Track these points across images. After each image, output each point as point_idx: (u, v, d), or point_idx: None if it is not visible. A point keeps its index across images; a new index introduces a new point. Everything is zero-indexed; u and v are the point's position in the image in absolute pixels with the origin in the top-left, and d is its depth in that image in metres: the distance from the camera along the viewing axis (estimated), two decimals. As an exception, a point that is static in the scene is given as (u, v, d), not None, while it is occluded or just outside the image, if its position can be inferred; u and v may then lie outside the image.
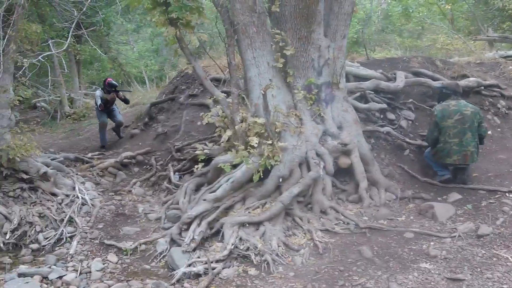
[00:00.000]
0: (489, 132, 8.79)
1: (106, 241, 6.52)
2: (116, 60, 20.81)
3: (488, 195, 6.78)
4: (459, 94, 7.45)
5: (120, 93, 11.24)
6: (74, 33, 9.40)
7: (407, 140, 8.36)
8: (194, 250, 5.87)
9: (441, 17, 19.30)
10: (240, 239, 5.90)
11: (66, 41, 8.32)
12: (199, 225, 6.15)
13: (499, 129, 9.07)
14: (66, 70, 14.60)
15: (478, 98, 9.43)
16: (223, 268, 5.55)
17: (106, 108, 11.01)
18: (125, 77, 21.14)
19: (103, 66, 21.28)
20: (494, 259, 5.08)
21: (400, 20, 19.65)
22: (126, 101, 12.07)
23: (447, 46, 14.83)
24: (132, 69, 22.30)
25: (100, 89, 11.28)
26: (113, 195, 8.15)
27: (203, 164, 7.10)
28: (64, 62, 13.83)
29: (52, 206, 7.20)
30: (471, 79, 9.53)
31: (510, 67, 11.07)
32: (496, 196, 6.66)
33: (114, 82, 11.20)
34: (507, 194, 6.63)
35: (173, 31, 6.62)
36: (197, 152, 7.37)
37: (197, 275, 5.47)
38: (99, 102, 10.78)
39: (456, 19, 19.75)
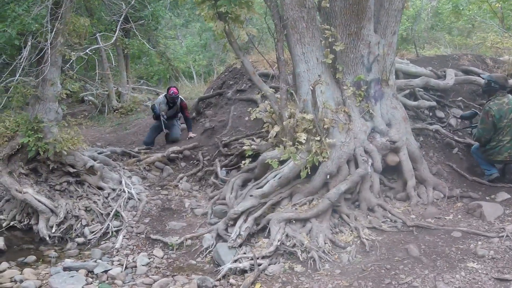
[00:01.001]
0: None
1: (152, 236, 6.64)
2: (164, 54, 20.98)
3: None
4: (507, 89, 7.28)
5: (188, 111, 10.42)
6: (122, 27, 9.48)
7: (456, 138, 8.22)
8: (240, 246, 5.95)
9: (491, 15, 18.82)
10: (287, 235, 5.94)
11: (114, 35, 8.45)
12: (245, 221, 6.20)
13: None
14: (114, 64, 14.77)
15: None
16: (269, 265, 5.60)
17: (167, 120, 10.34)
18: (173, 71, 21.33)
19: (151, 61, 21.47)
20: (543, 259, 4.95)
21: (450, 18, 19.23)
22: (188, 122, 10.55)
23: (497, 44, 14.46)
24: (180, 64, 22.46)
25: (163, 95, 10.42)
26: (159, 189, 8.26)
27: (250, 159, 7.13)
28: (112, 56, 14.02)
29: (98, 200, 7.35)
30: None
31: None
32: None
33: (177, 95, 10.24)
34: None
35: (222, 25, 6.66)
36: (244, 147, 7.40)
37: (243, 271, 5.55)
38: (157, 111, 10.14)
39: (507, 17, 19.26)
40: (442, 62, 9.82)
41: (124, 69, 17.43)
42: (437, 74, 9.10)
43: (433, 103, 8.59)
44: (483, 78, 7.71)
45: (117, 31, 8.48)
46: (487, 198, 6.92)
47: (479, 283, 4.76)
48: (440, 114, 8.73)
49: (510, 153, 6.95)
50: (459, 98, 8.93)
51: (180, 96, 10.44)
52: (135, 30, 10.43)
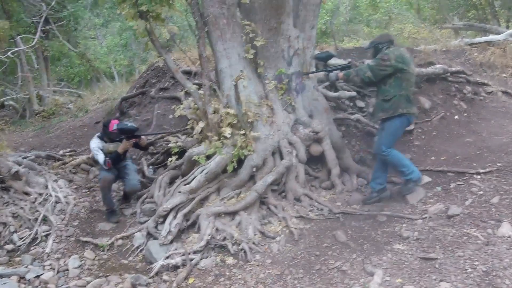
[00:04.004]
0: (456, 117, 9.01)
1: (82, 238, 6.51)
2: (85, 55, 20.53)
3: (456, 177, 6.89)
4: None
5: (143, 137, 7.51)
6: (42, 29, 9.22)
7: (377, 126, 8.44)
8: (171, 242, 5.94)
9: (407, 7, 19.53)
10: (217, 229, 5.98)
11: (34, 37, 8.24)
12: (175, 217, 6.19)
13: (465, 114, 9.26)
14: (36, 66, 14.36)
15: (445, 84, 9.63)
16: (201, 259, 5.64)
17: (116, 163, 7.37)
18: (94, 72, 20.92)
19: (72, 62, 20.99)
20: (465, 238, 5.18)
21: (368, 10, 19.81)
22: (146, 147, 8.01)
23: (413, 35, 15.01)
24: (101, 64, 22.05)
25: (96, 136, 7.40)
26: (86, 191, 8.10)
27: (176, 157, 7.10)
28: (32, 58, 13.62)
29: (25, 205, 7.08)
30: (438, 66, 9.72)
31: (475, 54, 11.30)
32: (465, 178, 6.77)
33: (129, 125, 7.34)
34: (475, 176, 6.74)
35: (143, 24, 6.59)
36: (170, 145, 7.38)
37: (176, 267, 5.56)
38: (101, 158, 7.13)
39: (422, 9, 20.02)
40: (361, 54, 10.11)
41: (45, 71, 16.98)
42: (356, 66, 9.31)
43: (353, 94, 8.84)
44: (365, 49, 7.54)
45: (38, 32, 8.26)
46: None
47: (406, 263, 4.93)
48: (361, 104, 9.00)
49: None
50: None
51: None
52: (55, 31, 10.11)
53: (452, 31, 15.57)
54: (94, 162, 8.59)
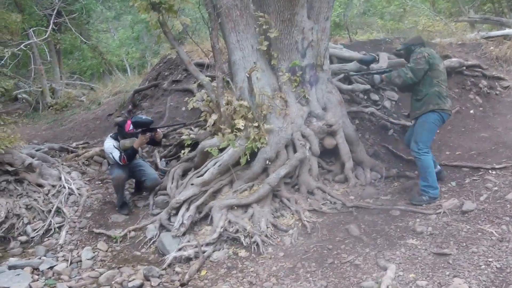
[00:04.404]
0: (471, 112, 8.92)
1: (95, 230, 6.56)
2: (97, 48, 20.59)
3: (471, 172, 6.85)
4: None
5: (159, 130, 7.40)
6: (54, 21, 9.21)
7: (391, 120, 8.44)
8: (183, 234, 5.94)
9: (422, 0, 19.38)
10: (229, 221, 5.96)
11: (46, 29, 8.23)
12: (187, 209, 6.19)
13: (481, 108, 9.17)
14: (49, 59, 14.41)
15: (460, 78, 9.53)
16: (213, 251, 5.63)
17: (131, 159, 7.23)
18: (106, 65, 20.97)
19: (84, 55, 21.06)
20: (479, 233, 5.15)
21: (382, 3, 19.69)
22: (160, 142, 7.84)
23: (428, 28, 14.87)
24: (113, 57, 22.13)
25: (109, 137, 7.28)
26: (99, 183, 8.13)
27: (189, 149, 7.08)
28: (46, 51, 13.67)
29: (39, 197, 7.15)
30: (453, 59, 9.61)
31: (491, 47, 11.16)
32: (479, 173, 6.74)
33: (143, 117, 7.34)
34: (490, 171, 6.71)
35: (156, 16, 6.57)
36: (183, 137, 7.37)
37: (188, 259, 5.56)
38: (117, 154, 7.00)
39: (437, 1, 19.84)
40: (375, 46, 10.03)
41: (57, 64, 17.07)
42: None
43: (368, 87, 8.76)
44: (398, 50, 7.60)
45: (50, 25, 8.25)
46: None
47: (419, 258, 4.89)
48: (375, 97, 8.92)
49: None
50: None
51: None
52: (69, 24, 10.09)
53: (468, 24, 15.40)
54: (108, 162, 7.89)
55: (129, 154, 7.08)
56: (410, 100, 6.69)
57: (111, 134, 7.36)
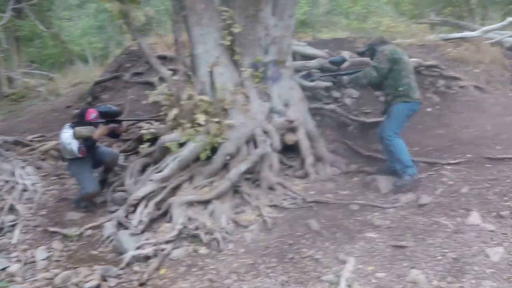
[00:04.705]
0: (429, 109, 9.10)
1: (50, 228, 6.33)
2: (58, 37, 20.14)
3: (428, 168, 7.00)
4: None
5: (124, 123, 7.20)
6: (13, 7, 8.90)
7: (351, 117, 8.55)
8: (142, 232, 5.85)
9: (386, 1, 19.69)
10: (189, 218, 5.91)
11: (5, 15, 7.98)
12: (146, 206, 6.12)
13: (438, 107, 9.39)
14: (5, 47, 14.00)
15: (419, 78, 9.64)
16: (173, 249, 5.55)
17: (91, 151, 6.77)
18: (67, 55, 20.54)
19: (45, 43, 20.56)
20: (435, 226, 5.28)
21: (347, 3, 19.89)
22: (119, 136, 7.46)
23: (391, 28, 15.10)
24: (75, 46, 21.69)
25: (68, 126, 6.68)
26: (55, 179, 7.92)
27: (149, 144, 6.94)
28: (3, 38, 13.28)
29: (-10, 193, 6.94)
30: (413, 59, 9.76)
31: (450, 49, 11.45)
32: (435, 168, 6.89)
33: (113, 108, 7.16)
34: (445, 166, 6.87)
35: (118, 5, 6.46)
36: (142, 131, 7.25)
37: (147, 258, 5.46)
38: (75, 145, 6.44)
39: (401, 3, 20.18)
40: (338, 45, 10.12)
41: (16, 52, 16.60)
42: (333, 56, 9.35)
43: (329, 84, 8.81)
44: (361, 52, 7.63)
45: (9, 10, 7.97)
46: (381, 172, 7.16)
47: (378, 251, 4.98)
48: (336, 94, 9.00)
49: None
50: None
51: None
52: (29, 10, 9.75)
53: (429, 27, 15.73)
54: (62, 158, 7.63)
55: (89, 145, 6.58)
56: (384, 97, 6.98)
57: (69, 123, 6.81)
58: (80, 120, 6.71)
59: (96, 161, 7.11)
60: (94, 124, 6.66)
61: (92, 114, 6.68)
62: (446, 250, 4.75)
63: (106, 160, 7.15)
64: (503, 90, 10.57)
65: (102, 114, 6.74)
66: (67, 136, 6.52)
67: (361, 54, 7.57)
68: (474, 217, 5.26)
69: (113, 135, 7.18)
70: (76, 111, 9.77)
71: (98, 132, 6.63)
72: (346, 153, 7.88)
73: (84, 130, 6.55)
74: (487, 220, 5.22)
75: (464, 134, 8.22)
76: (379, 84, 6.74)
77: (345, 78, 7.11)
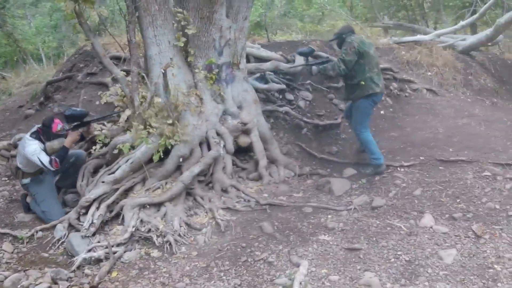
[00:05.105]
0: (382, 112, 9.24)
1: (0, 230, 6.13)
2: (12, 35, 19.67)
3: (380, 170, 7.11)
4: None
5: (93, 124, 6.82)
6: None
7: (305, 119, 8.61)
8: (93, 234, 5.75)
9: (340, 4, 19.89)
10: (141, 221, 5.85)
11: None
12: (98, 208, 6.00)
13: (391, 109, 9.55)
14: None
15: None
16: (124, 252, 5.48)
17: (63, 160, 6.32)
18: (21, 54, 20.08)
19: (-3, 42, 20.12)
20: (388, 228, 5.38)
21: (302, 6, 20.02)
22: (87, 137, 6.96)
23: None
24: (28, 45, 21.18)
25: (30, 138, 6.24)
26: (6, 180, 7.74)
27: (101, 145, 6.76)
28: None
29: None
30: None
31: (403, 52, 11.65)
32: (389, 171, 7.02)
33: (78, 110, 6.80)
34: (398, 169, 7.00)
35: (72, 5, 6.33)
36: (95, 132, 7.13)
37: (98, 261, 5.37)
38: (46, 159, 6.09)
39: (355, 7, 20.45)
40: (292, 47, 10.16)
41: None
42: (287, 59, 9.44)
43: (283, 86, 8.87)
44: (330, 40, 8.09)
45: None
46: (335, 174, 7.31)
47: (331, 253, 5.04)
48: (290, 96, 9.06)
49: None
50: (308, 82, 9.32)
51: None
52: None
53: (382, 30, 16.00)
54: (15, 174, 6.71)
55: (62, 155, 6.22)
56: (345, 84, 7.34)
57: (30, 134, 6.32)
58: (45, 131, 6.32)
59: (63, 174, 6.82)
60: (62, 136, 6.37)
61: (58, 125, 6.28)
62: (399, 253, 4.85)
63: (76, 162, 6.86)
64: (455, 93, 10.84)
65: (68, 118, 6.43)
66: (34, 149, 6.10)
67: (304, 54, 7.66)
68: (427, 219, 5.39)
69: (82, 138, 6.84)
70: (29, 111, 9.60)
71: (69, 140, 6.37)
72: (299, 156, 7.95)
73: (55, 143, 6.37)
74: (440, 222, 5.36)
75: (417, 136, 8.39)
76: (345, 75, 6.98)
77: (315, 68, 7.29)
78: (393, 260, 4.75)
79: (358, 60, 6.83)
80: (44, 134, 6.31)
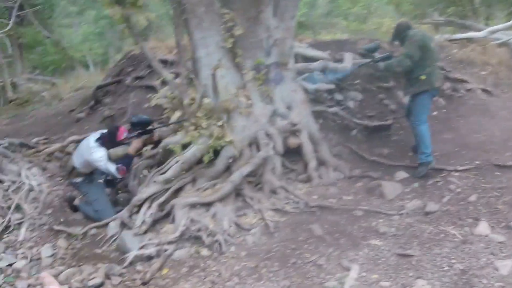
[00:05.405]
0: (435, 113, 9.01)
1: (55, 227, 6.36)
2: (59, 43, 20.22)
3: (434, 174, 6.87)
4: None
5: (156, 132, 6.82)
6: (17, 14, 8.96)
7: (355, 120, 8.45)
8: (145, 232, 5.86)
9: (387, 1, 19.56)
10: (191, 220, 5.89)
11: (8, 21, 8.00)
12: (149, 207, 6.12)
13: (444, 110, 9.24)
14: (10, 52, 14.06)
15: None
16: (175, 250, 5.56)
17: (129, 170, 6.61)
18: (68, 61, 20.61)
19: (46, 50, 20.65)
20: (442, 235, 5.17)
21: (346, 4, 19.81)
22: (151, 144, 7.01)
23: (392, 29, 15.04)
24: (75, 52, 21.73)
25: (95, 142, 6.41)
26: (60, 180, 7.92)
27: (152, 146, 6.99)
28: (7, 45, 13.37)
29: (-2, 193, 6.93)
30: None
31: (455, 50, 11.31)
32: (442, 175, 6.77)
33: (144, 117, 6.86)
34: (452, 173, 6.74)
35: (120, 10, 6.45)
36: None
37: (149, 258, 5.48)
38: (113, 167, 6.25)
39: (402, 4, 20.10)
40: (339, 47, 10.01)
41: (19, 59, 16.70)
42: (335, 58, 9.31)
43: (332, 86, 8.77)
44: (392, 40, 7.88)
45: (12, 18, 7.99)
46: (386, 177, 7.10)
47: (382, 259, 4.89)
48: (339, 97, 8.90)
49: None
50: (357, 81, 9.17)
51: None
52: (31, 18, 9.83)
53: (432, 27, 15.58)
54: (69, 173, 6.96)
55: (127, 163, 6.36)
56: (405, 79, 7.30)
57: (95, 138, 6.45)
58: (110, 139, 6.44)
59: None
60: (126, 144, 6.43)
61: (124, 133, 6.41)
62: (453, 261, 4.65)
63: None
64: (511, 94, 10.44)
65: (134, 125, 6.49)
66: (101, 156, 6.27)
67: (370, 50, 7.65)
68: (483, 227, 5.14)
69: (143, 145, 6.85)
70: (80, 114, 9.81)
71: (133, 147, 6.44)
72: (349, 157, 7.79)
73: (119, 151, 6.47)
74: (496, 230, 5.11)
75: (471, 139, 8.00)
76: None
77: (381, 64, 7.29)
78: (446, 268, 4.56)
79: (420, 54, 6.80)
80: (109, 142, 6.42)
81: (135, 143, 6.43)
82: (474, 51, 11.19)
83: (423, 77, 6.83)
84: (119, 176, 6.32)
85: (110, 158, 6.31)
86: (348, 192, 6.91)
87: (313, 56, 9.13)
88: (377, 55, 7.67)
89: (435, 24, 15.56)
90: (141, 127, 6.47)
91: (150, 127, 6.63)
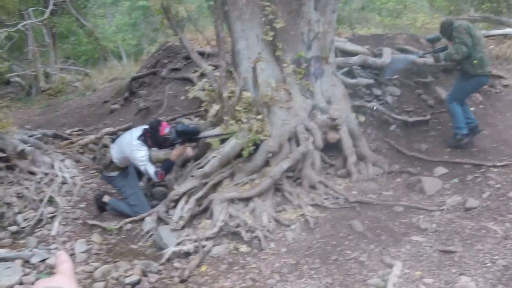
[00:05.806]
0: (472, 109, 8.87)
1: (89, 221, 6.28)
2: (93, 34, 20.36)
3: (473, 169, 6.87)
4: None
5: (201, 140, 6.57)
6: (53, 2, 8.97)
7: (393, 115, 8.34)
8: (182, 228, 5.76)
9: (422, -3, 19.39)
10: (230, 215, 5.82)
11: (44, 11, 8.01)
12: (187, 202, 6.03)
13: (481, 106, 9.14)
14: (47, 41, 14.15)
15: (459, 76, 9.50)
16: (213, 246, 5.47)
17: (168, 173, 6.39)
18: (101, 51, 20.76)
19: (79, 40, 20.84)
20: (483, 231, 5.17)
21: (381, -1, 19.66)
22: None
23: (427, 25, 14.83)
24: (108, 43, 21.88)
25: (137, 139, 6.08)
26: (94, 172, 7.90)
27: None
28: (43, 34, 13.47)
29: (30, 185, 6.80)
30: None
31: (492, 46, 11.17)
32: (481, 171, 6.76)
33: (190, 126, 6.45)
34: (491, 169, 6.73)
35: (160, 0, 6.42)
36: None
37: (187, 254, 5.38)
38: (152, 170, 5.99)
39: (436, -1, 19.88)
40: (378, 41, 9.95)
41: (52, 48, 16.83)
42: (374, 53, 9.21)
43: (371, 81, 8.67)
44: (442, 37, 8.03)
45: (49, 6, 8.00)
46: (425, 173, 7.08)
47: (425, 255, 4.87)
48: (377, 91, 8.81)
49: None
50: (395, 76, 9.06)
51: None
52: (67, 7, 9.84)
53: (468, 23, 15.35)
54: (104, 166, 6.48)
55: (167, 168, 6.14)
56: (461, 66, 7.73)
57: (138, 136, 6.13)
58: (153, 133, 6.11)
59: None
60: (168, 140, 6.10)
61: (166, 128, 6.05)
62: (496, 257, 4.65)
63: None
64: (547, 89, 10.28)
65: (179, 133, 6.05)
66: (142, 156, 6.01)
67: (432, 41, 8.05)
68: (524, 224, 5.11)
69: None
70: (114, 105, 9.81)
71: (175, 153, 6.16)
72: (388, 153, 7.72)
73: (161, 154, 6.48)
74: (538, 227, 5.08)
75: (509, 135, 7.99)
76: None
77: (441, 54, 7.57)
78: (489, 264, 4.56)
79: (471, 40, 7.23)
80: (151, 137, 6.12)
81: (178, 150, 6.13)
82: (511, 47, 11.08)
83: (475, 61, 7.23)
84: (157, 179, 6.10)
85: (152, 159, 6.13)
86: (387, 187, 6.87)
87: (352, 51, 9.03)
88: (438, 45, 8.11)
89: (471, 20, 15.28)
90: (186, 136, 6.13)
91: (196, 137, 6.29)
